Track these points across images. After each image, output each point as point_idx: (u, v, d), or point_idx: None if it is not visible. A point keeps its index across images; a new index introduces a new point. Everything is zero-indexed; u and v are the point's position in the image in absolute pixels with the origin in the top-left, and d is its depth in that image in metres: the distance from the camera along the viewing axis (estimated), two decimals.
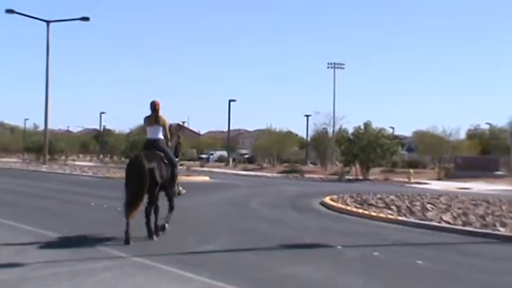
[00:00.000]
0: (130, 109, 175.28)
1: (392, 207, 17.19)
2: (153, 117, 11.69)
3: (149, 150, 11.35)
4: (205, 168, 57.04)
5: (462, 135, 71.47)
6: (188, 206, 17.32)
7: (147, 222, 10.94)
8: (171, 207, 11.86)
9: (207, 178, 36.62)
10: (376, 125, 44.01)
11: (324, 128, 65.97)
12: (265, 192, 25.13)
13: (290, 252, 10.14)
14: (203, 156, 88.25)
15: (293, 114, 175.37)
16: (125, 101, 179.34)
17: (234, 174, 48.39)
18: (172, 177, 11.71)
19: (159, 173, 11.05)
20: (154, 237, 10.95)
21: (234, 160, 75.87)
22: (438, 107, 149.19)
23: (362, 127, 43.46)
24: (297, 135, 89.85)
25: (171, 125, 12.16)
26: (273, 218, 15.72)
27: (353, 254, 10.06)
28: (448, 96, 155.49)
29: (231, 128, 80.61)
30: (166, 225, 11.57)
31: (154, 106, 11.69)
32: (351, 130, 47.30)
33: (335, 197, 20.55)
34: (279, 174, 50.00)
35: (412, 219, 14.70)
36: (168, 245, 10.30)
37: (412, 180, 38.67)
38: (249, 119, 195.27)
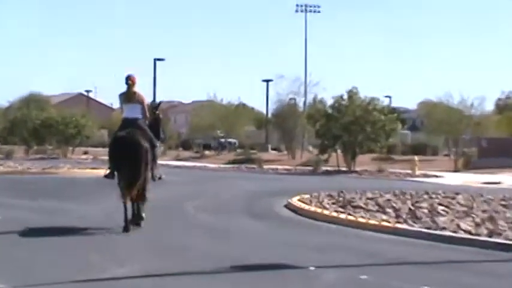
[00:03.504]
0: (10, 74, 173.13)
1: (389, 210, 17.24)
2: (130, 94, 14.87)
3: (133, 129, 14.50)
4: None
5: (489, 107, 72.07)
6: (90, 212, 17.13)
7: (137, 207, 14.65)
8: (144, 197, 14.91)
9: None
10: (365, 93, 44.32)
11: (291, 99, 66.17)
12: (206, 191, 25.08)
13: (241, 277, 10.11)
14: None
15: (246, 79, 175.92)
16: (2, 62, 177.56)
17: (161, 165, 48.14)
18: (153, 159, 14.95)
19: (151, 154, 14.53)
20: (131, 226, 14.21)
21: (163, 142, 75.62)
22: (454, 69, 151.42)
23: (345, 96, 43.63)
24: (252, 109, 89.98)
25: (148, 102, 15.30)
26: (216, 227, 15.68)
27: (331, 278, 10.04)
28: (468, 53, 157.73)
29: (159, 99, 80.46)
30: (143, 215, 14.88)
31: (128, 81, 14.83)
32: (329, 101, 47.31)
33: (307, 196, 20.54)
34: (228, 165, 50.00)
35: (416, 228, 14.77)
36: (63, 269, 10.20)
37: (418, 172, 39.10)
38: (184, 87, 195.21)
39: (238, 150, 66.56)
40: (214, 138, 79.12)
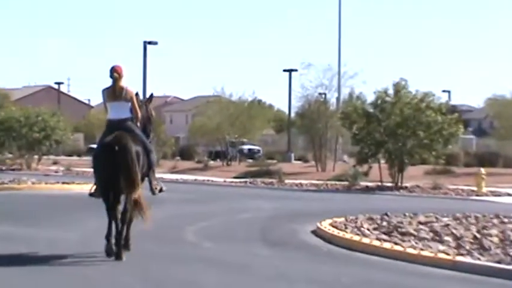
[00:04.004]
0: None
1: (448, 238, 17.24)
2: (116, 89, 15.15)
3: (122, 132, 14.82)
4: None
5: None
6: (61, 239, 17.22)
7: (123, 229, 14.78)
8: (131, 215, 15.27)
9: None
10: (416, 87, 44.21)
11: (320, 94, 65.93)
12: (212, 213, 25.16)
13: None
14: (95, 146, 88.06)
15: (263, 69, 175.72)
16: None
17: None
18: (150, 167, 15.57)
19: (143, 160, 14.96)
20: (123, 256, 14.58)
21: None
22: None
23: (390, 91, 43.53)
24: (270, 106, 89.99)
25: (137, 96, 15.68)
26: (226, 260, 15.70)
27: None
28: None
29: (150, 94, 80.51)
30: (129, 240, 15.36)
31: (114, 73, 15.17)
32: (370, 98, 47.25)
33: (341, 220, 20.64)
34: (239, 180, 50.01)
35: (483, 262, 14.77)
36: None
37: (485, 189, 38.95)
38: (183, 79, 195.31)
39: (268, 161, 65.99)
40: (232, 144, 78.29)
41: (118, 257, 14.46)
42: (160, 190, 16.10)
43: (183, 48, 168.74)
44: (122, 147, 14.41)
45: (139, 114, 15.53)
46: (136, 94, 16.37)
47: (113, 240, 14.56)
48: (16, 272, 13.57)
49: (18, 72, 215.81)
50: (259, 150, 79.79)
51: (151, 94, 18.13)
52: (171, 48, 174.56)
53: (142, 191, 15.51)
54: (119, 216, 14.70)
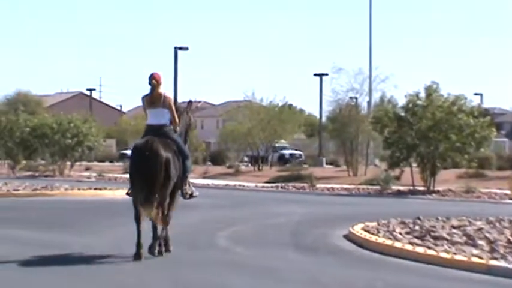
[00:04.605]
0: None
1: (481, 242, 17.14)
2: (154, 96, 16.09)
3: (157, 137, 15.65)
4: None
5: None
6: (104, 242, 17.28)
7: (154, 229, 15.65)
8: (167, 219, 16.10)
9: None
10: (447, 91, 44.08)
11: (351, 98, 65.96)
12: (243, 218, 25.19)
13: None
14: (127, 152, 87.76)
15: (293, 74, 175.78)
16: None
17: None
18: (184, 173, 16.46)
19: (174, 167, 15.61)
20: (156, 252, 15.61)
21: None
22: None
23: (422, 95, 43.43)
24: (301, 111, 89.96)
25: (176, 103, 16.78)
26: (257, 264, 15.71)
27: None
28: None
29: (181, 99, 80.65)
30: (170, 242, 16.34)
31: (153, 80, 16.05)
32: (401, 101, 47.16)
33: (373, 224, 20.61)
34: (270, 184, 50.07)
35: None
36: None
37: None
38: (214, 84, 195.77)
39: (305, 165, 65.94)
40: (273, 149, 78.46)
41: (136, 256, 15.16)
42: (191, 195, 16.89)
43: (213, 54, 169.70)
44: (153, 154, 15.16)
45: (178, 121, 16.33)
46: (175, 100, 16.55)
47: (142, 244, 15.26)
48: (52, 275, 13.72)
49: (51, 79, 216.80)
50: (300, 155, 79.71)
51: (190, 100, 18.53)
52: (201, 54, 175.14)
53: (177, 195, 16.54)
54: (150, 217, 15.44)
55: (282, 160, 76.74)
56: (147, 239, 15.48)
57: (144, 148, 15.39)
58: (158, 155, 15.17)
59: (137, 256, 15.09)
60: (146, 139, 15.61)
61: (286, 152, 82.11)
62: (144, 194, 15.19)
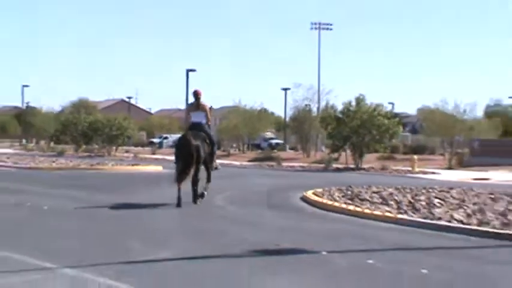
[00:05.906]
0: (61, 82, 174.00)
1: (391, 202, 17.27)
2: (196, 104, 17.75)
3: (193, 131, 17.18)
4: (157, 156, 56.71)
5: (479, 113, 72.18)
6: (134, 203, 17.29)
7: (193, 189, 16.92)
8: (209, 179, 18.13)
9: (159, 168, 36.49)
10: (371, 100, 44.28)
11: (306, 105, 66.06)
12: (233, 186, 25.14)
13: (263, 260, 10.17)
14: (154, 140, 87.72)
15: (267, 88, 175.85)
16: (54, 73, 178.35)
17: None
18: (212, 154, 17.97)
19: (202, 149, 16.97)
20: (198, 201, 17.01)
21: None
22: (449, 78, 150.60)
23: (353, 103, 43.57)
24: (272, 113, 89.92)
25: (211, 109, 18.13)
26: (242, 217, 15.74)
27: (342, 262, 10.12)
28: (461, 64, 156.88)
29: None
30: (205, 193, 17.73)
31: (196, 95, 17.75)
32: (339, 107, 47.41)
33: (320, 190, 20.56)
34: (250, 163, 50.05)
35: (415, 218, 14.80)
36: (109, 251, 10.32)
37: (417, 169, 38.97)
38: (214, 95, 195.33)
39: (274, 151, 65.75)
40: (265, 140, 79.64)
41: (194, 202, 16.98)
42: (216, 168, 18.87)
43: (213, 73, 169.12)
44: (187, 143, 16.76)
45: (210, 120, 18.08)
46: (210, 107, 18.96)
47: (181, 198, 16.45)
48: (105, 220, 13.72)
49: (102, 88, 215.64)
50: (283, 143, 79.38)
51: (211, 106, 20.53)
52: (205, 73, 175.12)
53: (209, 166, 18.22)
54: (190, 179, 16.90)
55: (270, 146, 76.44)
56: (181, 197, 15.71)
57: (183, 139, 17.06)
58: (191, 144, 16.65)
59: (178, 205, 16.20)
60: (185, 133, 17.50)
61: (274, 141, 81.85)
62: (182, 167, 16.60)
